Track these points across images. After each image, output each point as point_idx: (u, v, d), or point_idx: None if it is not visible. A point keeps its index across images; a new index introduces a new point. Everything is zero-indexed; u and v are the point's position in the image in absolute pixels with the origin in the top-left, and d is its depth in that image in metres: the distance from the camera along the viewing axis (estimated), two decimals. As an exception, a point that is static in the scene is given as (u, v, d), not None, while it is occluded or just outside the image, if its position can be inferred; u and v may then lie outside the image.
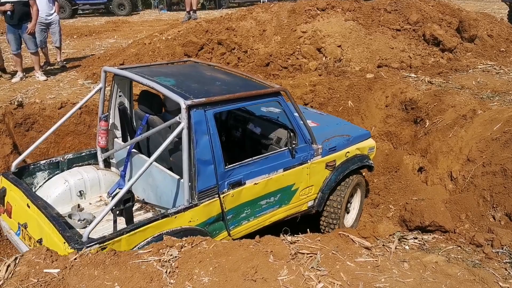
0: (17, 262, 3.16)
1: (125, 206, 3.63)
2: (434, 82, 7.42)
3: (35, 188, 4.55)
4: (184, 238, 3.52)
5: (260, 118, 5.19)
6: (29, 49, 7.72)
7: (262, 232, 4.24)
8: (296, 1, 10.59)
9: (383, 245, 3.63)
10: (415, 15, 9.25)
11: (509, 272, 3.19)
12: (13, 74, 7.94)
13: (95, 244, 3.36)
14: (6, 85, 7.49)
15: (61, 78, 8.06)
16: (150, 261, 3.20)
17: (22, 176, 4.44)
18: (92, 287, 2.94)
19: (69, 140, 6.87)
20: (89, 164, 4.98)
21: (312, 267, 3.16)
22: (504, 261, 3.33)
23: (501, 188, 4.60)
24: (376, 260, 3.33)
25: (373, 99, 7.37)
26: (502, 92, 6.69)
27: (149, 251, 3.32)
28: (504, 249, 3.47)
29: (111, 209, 3.55)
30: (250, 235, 4.27)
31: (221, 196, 4.05)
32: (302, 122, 4.59)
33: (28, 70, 8.15)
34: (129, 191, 3.64)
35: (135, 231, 3.56)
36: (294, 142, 4.45)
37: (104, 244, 3.41)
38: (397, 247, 3.61)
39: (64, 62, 9.00)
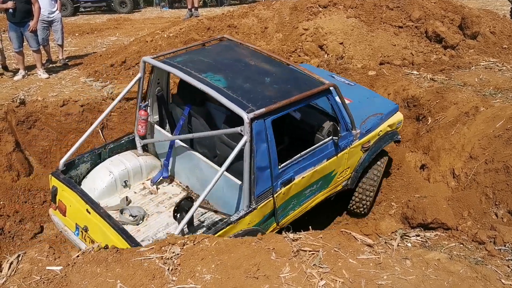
0: (20, 259, 3.17)
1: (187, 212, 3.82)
2: (436, 79, 7.40)
3: (79, 179, 4.68)
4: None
5: None
6: (31, 47, 7.72)
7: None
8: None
9: (385, 243, 3.63)
10: (417, 12, 9.21)
11: (511, 270, 3.19)
12: (15, 72, 7.95)
13: None
14: (8, 83, 7.49)
15: (63, 76, 8.06)
16: (152, 258, 3.20)
17: (68, 170, 4.58)
18: (94, 284, 2.95)
19: (72, 138, 6.87)
20: (127, 149, 5.09)
21: (314, 265, 3.16)
22: (507, 258, 3.33)
23: (504, 185, 4.59)
24: (378, 258, 3.33)
25: (375, 97, 7.35)
26: (505, 89, 6.66)
27: (151, 249, 3.32)
28: (506, 246, 3.46)
29: (174, 216, 3.95)
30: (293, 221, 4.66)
31: (275, 195, 4.21)
32: (346, 112, 4.68)
33: (30, 68, 8.15)
34: (190, 198, 4.00)
35: None
36: (339, 134, 4.60)
37: None
38: (399, 244, 3.61)
39: (66, 60, 9.00)
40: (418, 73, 7.78)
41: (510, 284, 3.01)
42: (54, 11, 8.47)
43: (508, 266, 3.22)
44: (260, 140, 3.87)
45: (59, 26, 8.65)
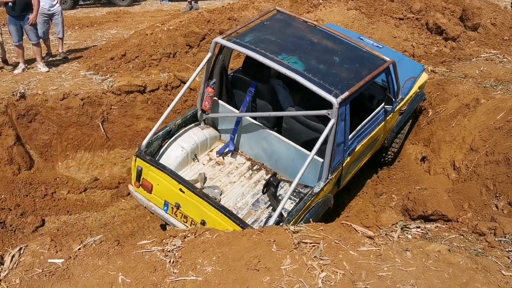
0: (21, 252, 3.18)
1: (276, 188, 4.52)
2: (437, 71, 7.38)
3: (153, 155, 5.04)
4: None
5: None
6: (31, 40, 7.69)
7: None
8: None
9: (386, 235, 3.63)
10: (418, 3, 9.17)
11: (511, 261, 3.20)
12: (15, 65, 7.92)
13: None
14: (8, 77, 7.48)
15: (63, 69, 8.03)
16: (153, 251, 3.21)
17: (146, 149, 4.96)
18: (96, 276, 2.96)
19: (72, 131, 6.88)
20: (191, 123, 5.45)
21: (315, 256, 3.17)
22: (507, 249, 3.33)
23: (504, 177, 4.59)
24: (378, 249, 3.33)
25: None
26: (506, 81, 6.64)
27: (153, 241, 3.33)
28: (506, 237, 3.47)
29: (263, 193, 4.57)
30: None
31: (343, 165, 4.73)
32: (397, 84, 5.16)
33: (30, 62, 8.13)
34: (275, 174, 4.72)
35: (300, 211, 4.25)
36: (392, 104, 5.08)
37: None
38: (399, 236, 3.62)
39: (66, 53, 8.97)
40: (418, 65, 7.75)
41: (510, 275, 3.02)
42: (55, 4, 8.43)
43: (508, 257, 3.23)
44: (341, 120, 4.26)
45: (59, 19, 8.61)
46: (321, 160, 4.52)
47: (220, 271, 3.02)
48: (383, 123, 5.29)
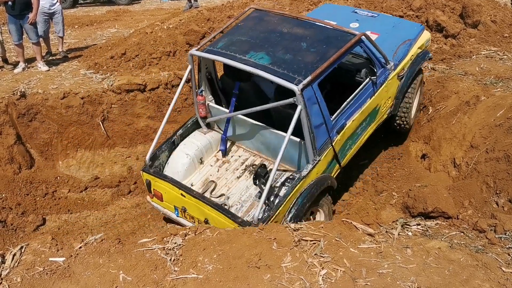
0: (23, 251, 3.19)
1: (264, 178, 4.56)
2: (437, 68, 7.38)
3: (163, 167, 5.31)
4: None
5: None
6: (31, 39, 7.69)
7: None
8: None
9: (386, 232, 3.63)
10: (418, 1, 9.15)
11: (512, 257, 3.20)
12: (15, 64, 7.93)
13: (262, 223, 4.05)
14: (9, 76, 7.48)
15: (63, 68, 8.04)
16: (154, 249, 3.22)
17: (153, 162, 5.18)
18: (97, 275, 2.97)
19: (72, 130, 6.89)
20: (193, 130, 5.61)
21: (315, 254, 3.18)
22: (507, 246, 3.33)
23: (505, 174, 4.58)
24: (379, 247, 3.34)
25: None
26: (506, 78, 6.63)
27: (153, 239, 3.34)
28: (507, 234, 3.47)
29: (255, 183, 4.63)
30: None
31: (333, 144, 4.76)
32: (378, 52, 5.09)
33: (30, 61, 8.13)
34: (263, 165, 4.66)
35: (286, 199, 4.34)
36: (376, 74, 5.06)
37: (272, 219, 4.20)
38: (400, 233, 3.62)
39: (66, 52, 8.98)
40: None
41: (511, 272, 3.02)
42: (55, 3, 8.44)
43: (509, 254, 3.23)
44: (311, 103, 4.29)
45: (60, 18, 8.62)
46: (298, 140, 4.65)
47: (221, 269, 3.02)
48: (377, 93, 5.23)
